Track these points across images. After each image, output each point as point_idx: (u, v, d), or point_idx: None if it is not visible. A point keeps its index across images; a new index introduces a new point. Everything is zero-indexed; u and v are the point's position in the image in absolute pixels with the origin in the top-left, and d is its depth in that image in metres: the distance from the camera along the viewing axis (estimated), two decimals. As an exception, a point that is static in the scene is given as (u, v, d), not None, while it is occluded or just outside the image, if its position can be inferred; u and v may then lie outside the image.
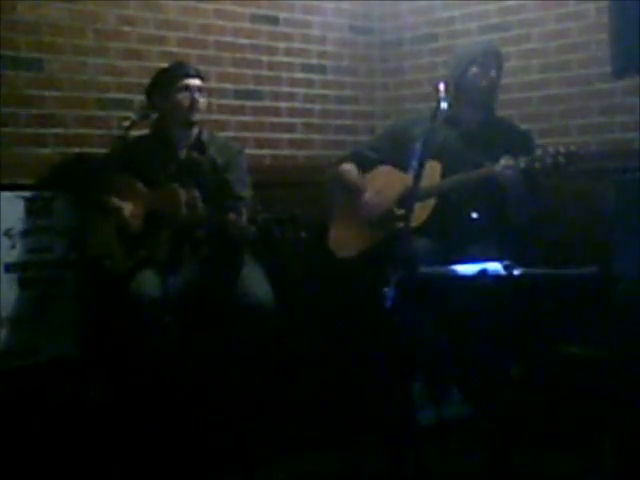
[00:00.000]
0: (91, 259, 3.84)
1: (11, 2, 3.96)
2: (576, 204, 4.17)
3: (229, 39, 4.68)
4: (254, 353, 3.73)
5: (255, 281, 3.80)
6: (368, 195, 4.06)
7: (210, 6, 4.61)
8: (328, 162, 4.48)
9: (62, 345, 3.99)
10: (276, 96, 4.86)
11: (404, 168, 3.76)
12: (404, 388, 3.16)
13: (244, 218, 3.52)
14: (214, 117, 4.51)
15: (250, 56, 4.76)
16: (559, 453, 3.36)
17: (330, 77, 5.09)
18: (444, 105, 3.11)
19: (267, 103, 4.82)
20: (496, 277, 2.77)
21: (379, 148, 4.17)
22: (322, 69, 5.06)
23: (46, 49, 4.08)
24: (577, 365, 3.59)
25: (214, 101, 4.49)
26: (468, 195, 3.82)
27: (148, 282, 3.66)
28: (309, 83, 5.01)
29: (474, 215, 3.81)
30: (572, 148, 3.58)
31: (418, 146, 3.25)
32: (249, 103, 4.75)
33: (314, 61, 5.03)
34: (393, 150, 4.05)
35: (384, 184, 4.04)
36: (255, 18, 4.78)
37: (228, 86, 4.68)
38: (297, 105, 4.95)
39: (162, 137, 3.95)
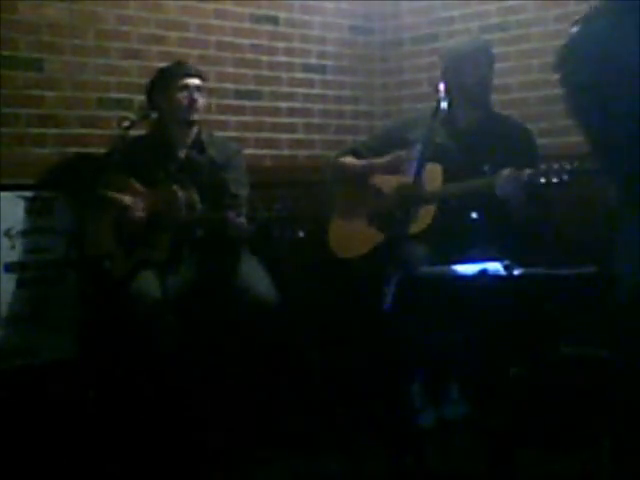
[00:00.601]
0: (91, 259, 3.84)
1: (11, 2, 3.97)
2: (576, 204, 4.17)
3: (229, 39, 4.68)
4: (256, 351, 3.74)
5: (256, 277, 3.81)
6: (380, 172, 4.01)
7: (210, 6, 4.61)
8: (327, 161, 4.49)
9: (62, 345, 3.99)
10: (276, 96, 4.86)
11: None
12: (404, 389, 3.16)
13: (242, 216, 3.53)
14: (214, 117, 4.51)
15: (250, 56, 4.76)
16: (559, 453, 3.36)
17: (330, 77, 5.09)
18: (444, 105, 3.11)
19: (267, 103, 4.83)
20: (496, 277, 2.77)
21: (375, 148, 4.15)
22: (322, 69, 5.06)
23: (46, 49, 4.08)
24: (577, 365, 3.58)
25: (214, 101, 4.50)
26: (469, 200, 3.81)
27: (148, 283, 3.67)
28: (309, 83, 5.01)
29: (474, 215, 3.80)
30: (576, 164, 3.51)
31: (418, 147, 3.25)
32: (249, 103, 4.75)
33: (314, 61, 5.03)
34: (389, 150, 4.03)
35: (382, 184, 4.03)
36: (255, 18, 4.78)
37: (228, 86, 4.68)
38: (297, 105, 4.95)
39: (161, 137, 3.95)
